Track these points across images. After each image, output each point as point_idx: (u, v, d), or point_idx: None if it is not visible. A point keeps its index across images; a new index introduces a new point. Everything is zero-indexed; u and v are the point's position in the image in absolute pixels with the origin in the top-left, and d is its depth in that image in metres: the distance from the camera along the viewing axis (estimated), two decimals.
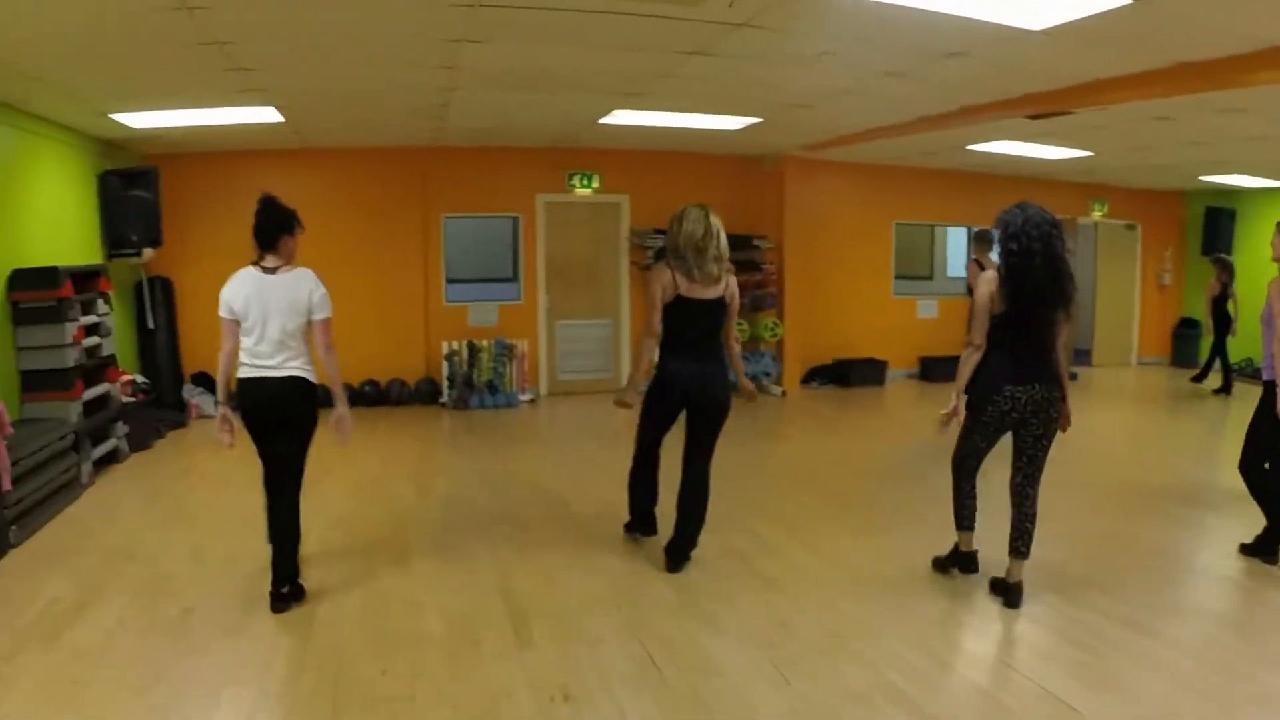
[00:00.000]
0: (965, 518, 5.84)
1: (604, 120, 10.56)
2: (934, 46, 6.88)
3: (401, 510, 7.85)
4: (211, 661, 4.86)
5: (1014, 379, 5.34)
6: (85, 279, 9.21)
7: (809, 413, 12.26)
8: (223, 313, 5.53)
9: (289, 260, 5.70)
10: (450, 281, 13.55)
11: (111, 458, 9.27)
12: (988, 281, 5.46)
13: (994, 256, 5.80)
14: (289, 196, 11.27)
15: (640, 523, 6.80)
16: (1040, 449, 5.50)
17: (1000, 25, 6.18)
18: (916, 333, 15.43)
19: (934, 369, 14.88)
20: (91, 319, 9.15)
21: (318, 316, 5.61)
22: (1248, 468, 6.29)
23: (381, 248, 13.01)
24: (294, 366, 5.53)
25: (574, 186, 13.50)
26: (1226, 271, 14.15)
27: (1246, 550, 6.36)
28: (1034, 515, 5.53)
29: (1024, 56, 7.02)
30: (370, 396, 12.82)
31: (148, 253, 11.14)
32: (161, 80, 8.04)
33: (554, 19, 6.37)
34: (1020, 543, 5.52)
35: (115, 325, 10.26)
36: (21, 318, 8.42)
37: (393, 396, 12.90)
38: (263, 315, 5.47)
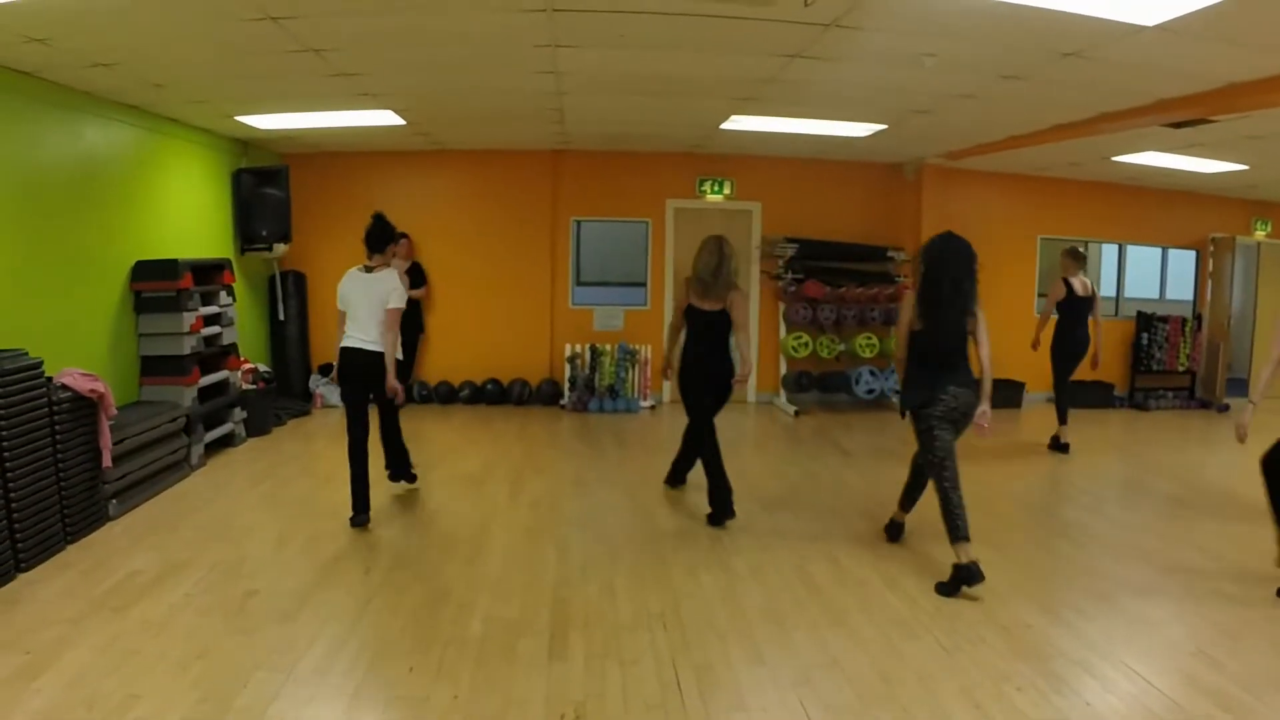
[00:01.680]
0: (956, 525, 6.13)
1: (726, 126, 10.40)
2: (1043, 45, 6.50)
3: (490, 510, 7.85)
4: (256, 643, 5.07)
5: (954, 382, 6.21)
6: (208, 271, 9.63)
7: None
8: (339, 304, 7.41)
9: (388, 262, 7.48)
10: (582, 284, 13.52)
11: (227, 441, 9.80)
12: (909, 301, 6.52)
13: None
14: (418, 196, 12.12)
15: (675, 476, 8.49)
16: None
17: (1108, 20, 5.78)
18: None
19: (1076, 395, 14.13)
20: (212, 309, 9.55)
21: (390, 305, 7.25)
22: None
23: (509, 249, 13.10)
24: (367, 339, 7.24)
25: (705, 192, 13.33)
26: None
27: None
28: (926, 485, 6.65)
29: (1144, 56, 6.57)
30: (492, 394, 12.92)
31: (279, 248, 11.57)
32: (272, 86, 8.38)
33: (633, 22, 6.32)
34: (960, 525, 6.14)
35: (244, 316, 10.97)
36: (143, 306, 8.88)
37: (514, 396, 12.93)
38: (358, 301, 7.28)
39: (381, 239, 7.43)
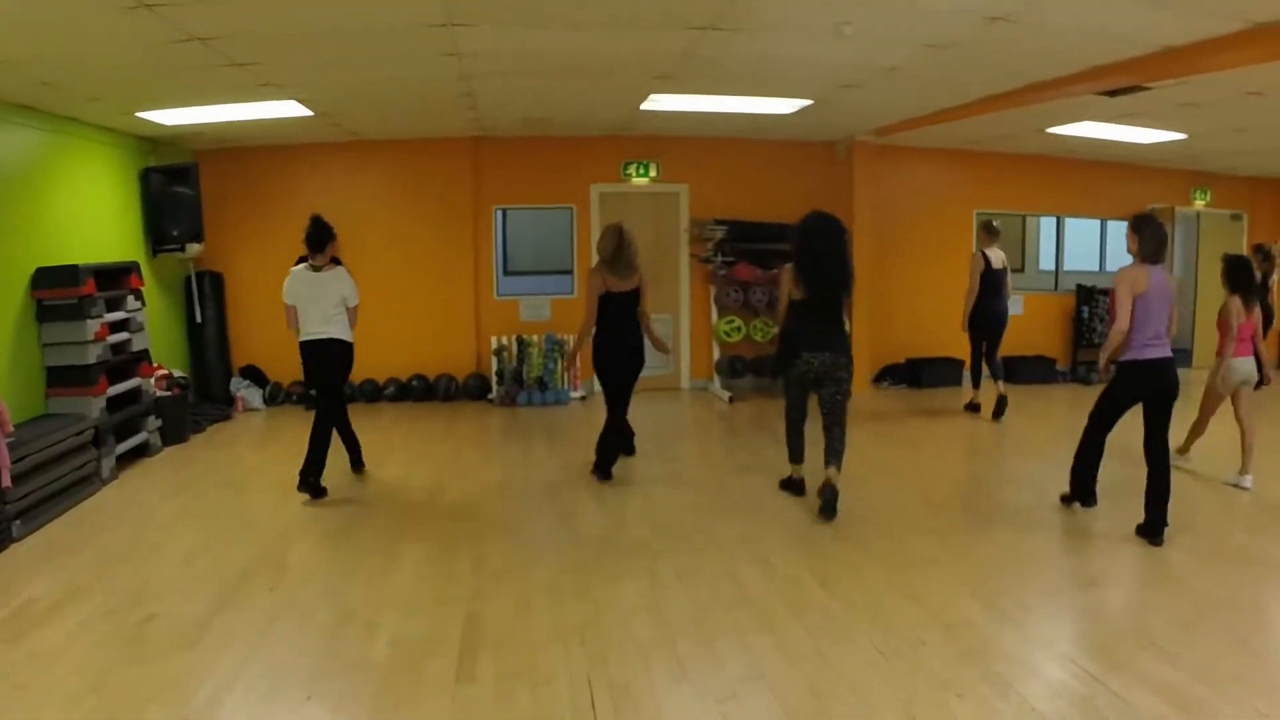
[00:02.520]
0: (798, 454, 7.76)
1: (647, 106, 10.02)
2: (968, 9, 6.17)
3: (406, 517, 7.43)
4: (152, 674, 4.69)
5: (809, 347, 7.18)
6: (114, 276, 9.32)
7: (873, 416, 11.52)
8: (286, 299, 7.93)
9: (329, 259, 8.00)
10: (511, 274, 13.11)
11: (141, 451, 9.34)
12: (788, 273, 7.37)
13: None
14: (336, 190, 11.94)
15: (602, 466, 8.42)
16: (836, 403, 7.29)
17: None
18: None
19: (1017, 370, 13.94)
20: (120, 315, 9.20)
21: (350, 305, 8.06)
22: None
23: (432, 241, 12.66)
24: (335, 331, 7.94)
25: (630, 176, 12.98)
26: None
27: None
28: (843, 441, 7.29)
29: (1075, 19, 6.26)
30: (418, 391, 12.54)
31: (193, 248, 11.17)
32: (164, 80, 8.01)
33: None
34: (834, 457, 7.22)
35: (157, 320, 10.63)
36: (45, 315, 8.53)
37: (441, 391, 12.54)
38: (312, 301, 7.86)
39: (320, 239, 7.93)
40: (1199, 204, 15.54)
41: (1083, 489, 7.17)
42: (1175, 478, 6.72)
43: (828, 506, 7.05)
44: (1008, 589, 5.74)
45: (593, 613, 5.43)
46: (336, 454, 8.19)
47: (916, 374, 13.69)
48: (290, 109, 9.61)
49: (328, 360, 8.01)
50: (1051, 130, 11.63)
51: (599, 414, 8.55)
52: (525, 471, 8.88)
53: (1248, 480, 7.89)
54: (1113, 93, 8.67)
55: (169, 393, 10.07)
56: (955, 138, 12.69)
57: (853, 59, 7.72)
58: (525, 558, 6.37)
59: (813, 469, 7.63)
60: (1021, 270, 17.79)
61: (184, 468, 9.12)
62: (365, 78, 8.46)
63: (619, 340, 8.12)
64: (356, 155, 12.49)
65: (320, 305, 7.85)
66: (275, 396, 12.24)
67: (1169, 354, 6.61)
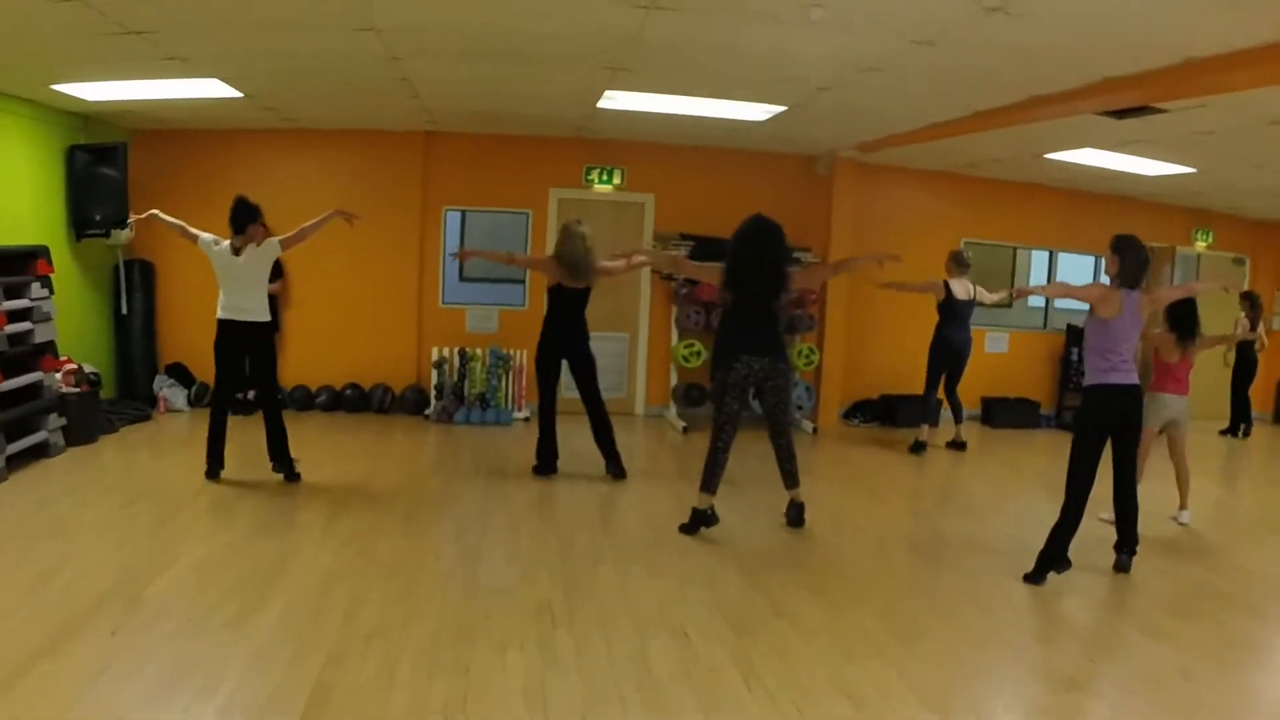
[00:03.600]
0: (712, 481, 7.09)
1: (604, 104, 9.13)
2: None
3: (290, 550, 6.41)
4: None
5: (748, 350, 6.93)
6: (17, 260, 8.64)
7: (837, 459, 10.57)
8: (202, 237, 7.89)
9: (253, 239, 7.84)
10: (466, 280, 12.18)
11: (40, 452, 8.53)
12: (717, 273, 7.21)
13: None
14: (274, 180, 10.95)
15: (544, 465, 8.79)
16: (780, 409, 7.14)
17: None
18: (980, 369, 13.57)
19: (998, 412, 13.14)
20: (21, 303, 8.45)
21: (279, 255, 8.16)
22: None
23: (375, 240, 11.61)
24: (254, 313, 7.84)
25: (593, 182, 12.09)
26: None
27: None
28: (794, 456, 7.27)
29: (1085, 13, 5.36)
30: (352, 401, 11.63)
31: (119, 234, 10.43)
32: (59, 49, 7.43)
33: None
34: (793, 480, 7.31)
35: (75, 310, 10.10)
36: None
37: (375, 403, 11.59)
38: (232, 280, 7.77)
39: (240, 219, 7.78)
40: (1200, 245, 14.76)
41: (1053, 560, 6.41)
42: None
43: (798, 520, 7.32)
44: (965, 689, 4.80)
45: (462, 692, 4.42)
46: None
47: (890, 411, 12.76)
48: (215, 89, 8.90)
49: (245, 344, 7.91)
50: (1050, 157, 10.78)
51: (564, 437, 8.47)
52: (440, 502, 7.95)
53: (1186, 516, 8.07)
54: (1120, 114, 7.98)
55: (77, 389, 9.24)
56: (945, 159, 11.84)
57: (827, 54, 6.82)
58: (406, 612, 5.38)
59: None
60: (1009, 306, 16.96)
61: (80, 471, 8.25)
62: (284, 55, 7.70)
63: (560, 336, 8.51)
64: (298, 144, 11.65)
65: (239, 286, 7.77)
66: (201, 397, 11.26)
67: (1135, 381, 6.34)
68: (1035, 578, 6.34)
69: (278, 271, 11.11)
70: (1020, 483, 9.98)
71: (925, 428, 10.91)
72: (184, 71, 8.10)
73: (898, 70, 7.04)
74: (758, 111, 9.09)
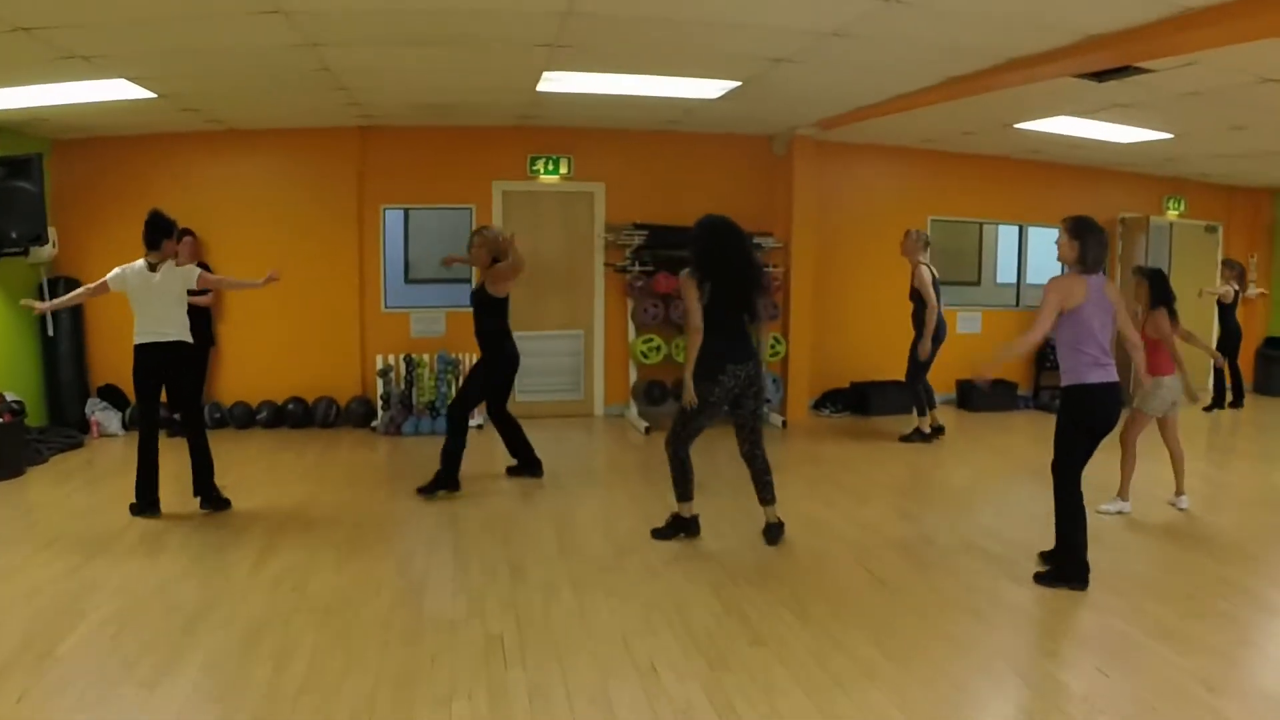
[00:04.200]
0: (689, 489, 6.75)
1: (545, 87, 8.50)
2: None
3: (217, 593, 5.75)
4: None
5: (734, 359, 6.39)
6: None
7: (810, 456, 9.93)
8: (109, 278, 7.26)
9: (169, 255, 7.35)
10: (412, 283, 11.53)
11: None
12: (690, 280, 6.39)
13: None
14: (204, 186, 10.83)
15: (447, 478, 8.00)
16: (758, 417, 6.67)
17: None
18: (954, 351, 13.03)
19: (976, 395, 12.61)
20: None
21: (194, 286, 7.38)
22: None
23: (311, 245, 11.05)
24: (173, 332, 7.24)
25: (538, 173, 11.45)
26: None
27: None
28: (768, 468, 6.72)
29: None
30: (295, 416, 10.96)
31: (39, 251, 9.71)
32: None
33: None
34: (770, 492, 6.75)
35: None
36: None
37: (319, 417, 10.92)
38: (148, 301, 7.18)
39: (153, 236, 7.23)
40: (1172, 214, 14.38)
41: (1079, 566, 5.87)
42: (1132, 533, 6.69)
43: (777, 539, 6.74)
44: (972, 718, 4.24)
45: None
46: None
47: (862, 400, 12.22)
48: (125, 90, 8.22)
49: (167, 365, 7.29)
50: (1020, 126, 10.27)
51: (496, 447, 8.13)
52: (383, 526, 7.26)
53: (1184, 501, 7.74)
54: (1101, 75, 7.45)
55: None
56: (909, 134, 11.32)
57: (785, 21, 6.25)
58: (343, 661, 4.76)
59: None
60: (978, 284, 16.55)
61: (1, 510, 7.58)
62: (190, 50, 7.07)
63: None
64: (227, 148, 10.96)
65: (156, 305, 7.19)
66: (136, 420, 10.54)
67: (1115, 378, 5.83)
68: (1048, 580, 5.92)
69: None
70: (1007, 469, 9.51)
71: (928, 413, 10.44)
72: (87, 72, 7.47)
73: (863, 34, 6.49)
74: (709, 88, 8.52)
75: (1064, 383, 5.91)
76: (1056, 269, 12.67)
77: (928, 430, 10.32)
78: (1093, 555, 5.89)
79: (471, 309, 8.21)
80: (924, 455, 9.92)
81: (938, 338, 10.16)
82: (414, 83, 8.55)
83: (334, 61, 7.49)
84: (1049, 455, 5.96)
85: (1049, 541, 6.10)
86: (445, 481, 7.91)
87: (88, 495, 8.11)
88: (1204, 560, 6.50)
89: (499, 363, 8.15)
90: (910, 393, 10.56)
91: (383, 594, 5.77)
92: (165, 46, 6.94)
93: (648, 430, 10.79)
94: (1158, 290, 7.51)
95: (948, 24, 6.23)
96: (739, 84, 8.25)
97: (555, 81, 8.22)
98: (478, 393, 8.24)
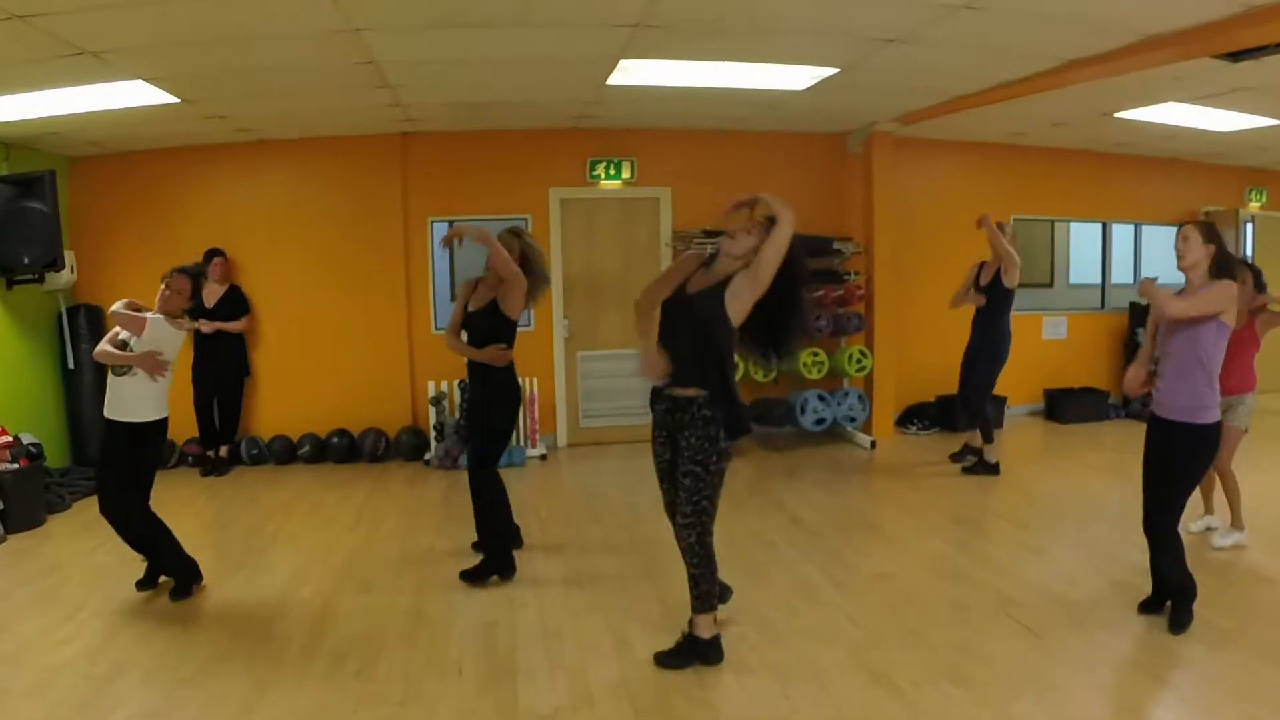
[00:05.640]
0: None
1: (616, 80, 7.62)
2: None
3: (268, 666, 4.85)
4: None
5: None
6: None
7: (908, 479, 9.04)
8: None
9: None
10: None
11: None
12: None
13: None
14: (235, 202, 10.09)
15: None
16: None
17: None
18: (1041, 358, 12.26)
19: (1063, 405, 11.83)
20: None
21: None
22: None
23: (353, 263, 10.24)
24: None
25: (599, 178, 10.58)
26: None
27: None
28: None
29: None
30: (340, 450, 10.09)
31: (56, 277, 9.06)
32: None
33: None
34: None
35: (12, 370, 9.01)
36: None
37: (366, 451, 10.06)
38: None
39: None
40: (1254, 206, 13.56)
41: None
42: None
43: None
44: None
45: None
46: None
47: (948, 415, 11.30)
48: (144, 93, 7.36)
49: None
50: (1120, 115, 9.37)
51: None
52: (453, 584, 6.23)
53: (1242, 537, 6.60)
54: (1237, 55, 6.53)
55: (13, 465, 7.82)
56: (994, 127, 10.46)
57: None
58: None
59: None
60: (1050, 285, 15.70)
61: (15, 568, 6.75)
62: (215, 41, 6.20)
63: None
64: (259, 159, 10.14)
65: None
66: (167, 458, 9.73)
67: None
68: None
69: (243, 308, 9.81)
70: (1118, 489, 8.49)
71: (990, 444, 9.12)
72: (100, 72, 6.63)
73: (998, 9, 5.61)
74: (801, 77, 7.62)
75: (1193, 419, 4.99)
76: (1143, 267, 11.49)
77: (993, 460, 9.09)
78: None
79: (476, 334, 6.35)
80: (1027, 477, 8.97)
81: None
82: (466, 77, 7.66)
83: (380, 51, 6.61)
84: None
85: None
86: (497, 565, 6.29)
87: (113, 550, 7.17)
88: None
89: (514, 402, 6.59)
90: (978, 414, 9.29)
91: (466, 677, 4.89)
92: (184, 37, 6.07)
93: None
94: (1260, 284, 6.47)
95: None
96: (834, 72, 7.37)
97: (629, 72, 7.34)
98: (504, 437, 6.50)
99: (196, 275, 6.12)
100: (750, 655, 5.01)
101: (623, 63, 7.02)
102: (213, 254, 9.68)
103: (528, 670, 4.92)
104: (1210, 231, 4.95)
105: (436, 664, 5.01)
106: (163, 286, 5.87)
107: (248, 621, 5.64)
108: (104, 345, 5.90)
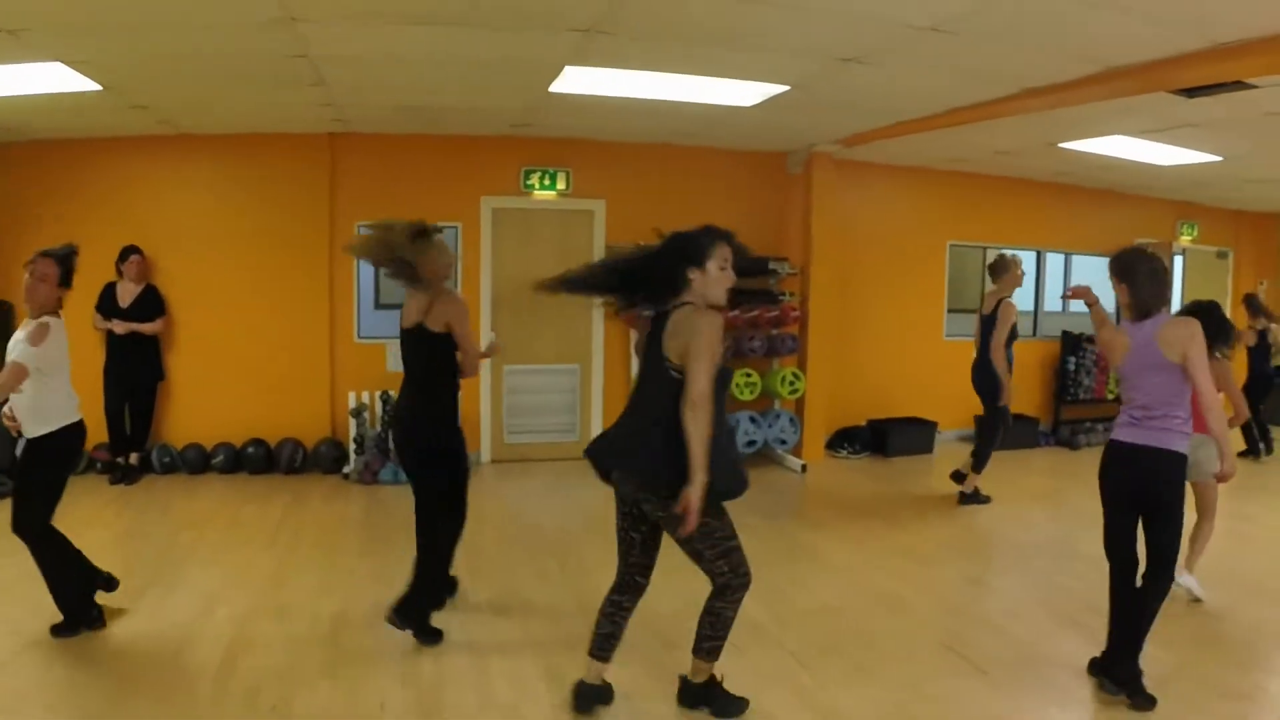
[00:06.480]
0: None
1: (559, 87, 7.34)
2: None
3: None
4: None
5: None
6: None
7: (843, 506, 8.86)
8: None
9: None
10: (383, 307, 10.39)
11: None
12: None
13: None
14: (154, 198, 9.61)
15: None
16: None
17: None
18: (969, 384, 12.20)
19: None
20: None
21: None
22: None
23: (275, 267, 9.80)
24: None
25: (532, 188, 10.27)
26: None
27: None
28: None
29: None
30: (255, 460, 9.62)
31: None
32: None
33: None
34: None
35: None
36: None
37: (283, 462, 9.62)
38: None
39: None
40: (1185, 239, 13.81)
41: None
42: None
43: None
44: None
45: None
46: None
47: (880, 439, 11.19)
48: (62, 78, 6.90)
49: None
50: (1065, 145, 9.32)
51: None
52: (377, 613, 5.64)
53: (1191, 581, 6.12)
54: (1192, 92, 6.59)
55: None
56: (936, 153, 10.40)
57: (881, 9, 5.15)
58: None
59: None
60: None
61: None
62: (140, 25, 5.79)
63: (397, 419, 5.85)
64: (181, 154, 9.65)
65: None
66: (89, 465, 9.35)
67: (1134, 440, 4.74)
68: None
69: (159, 309, 9.36)
70: (1055, 517, 8.63)
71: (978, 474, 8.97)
72: (15, 51, 6.18)
73: (968, 32, 5.47)
74: (751, 93, 7.41)
75: (1184, 446, 4.67)
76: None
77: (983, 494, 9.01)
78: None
79: (414, 352, 5.59)
80: (965, 506, 8.85)
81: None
82: (405, 77, 7.30)
83: (316, 45, 6.24)
84: (1091, 498, 5.00)
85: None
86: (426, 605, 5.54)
87: (19, 560, 6.71)
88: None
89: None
90: (987, 445, 9.00)
91: (388, 714, 4.57)
92: (108, 17, 5.64)
93: None
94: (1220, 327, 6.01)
95: (1047, 23, 5.23)
96: (785, 89, 7.16)
97: (574, 80, 7.05)
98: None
99: (65, 258, 5.31)
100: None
101: (568, 69, 6.74)
102: (129, 251, 9.23)
103: (456, 707, 4.63)
104: (1117, 265, 4.74)
105: (358, 701, 4.68)
106: (26, 275, 5.16)
107: (159, 649, 5.22)
108: None
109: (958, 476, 9.07)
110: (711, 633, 4.31)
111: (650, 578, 4.45)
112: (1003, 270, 8.77)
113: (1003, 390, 8.62)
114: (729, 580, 4.19)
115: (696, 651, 4.37)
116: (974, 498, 8.90)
